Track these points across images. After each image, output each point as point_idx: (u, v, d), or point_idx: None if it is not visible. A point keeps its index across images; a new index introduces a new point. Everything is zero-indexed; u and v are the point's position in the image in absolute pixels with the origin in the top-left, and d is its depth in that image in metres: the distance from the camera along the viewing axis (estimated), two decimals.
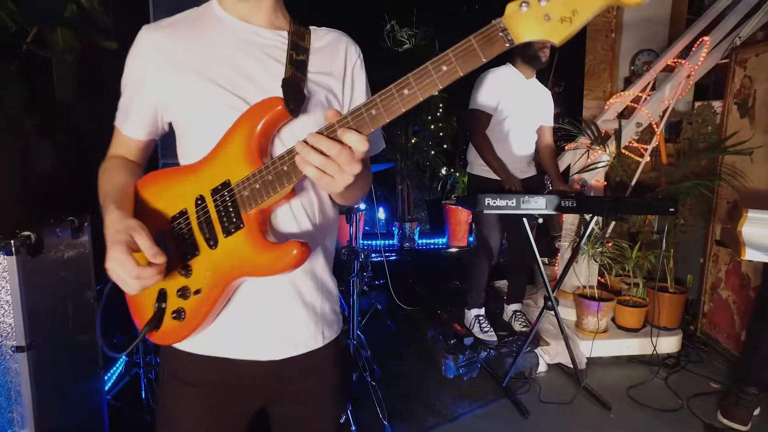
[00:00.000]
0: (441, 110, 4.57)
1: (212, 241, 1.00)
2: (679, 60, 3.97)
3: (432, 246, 4.88)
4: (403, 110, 0.86)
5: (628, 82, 4.84)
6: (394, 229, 4.91)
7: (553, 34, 0.78)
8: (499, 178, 3.18)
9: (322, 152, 0.87)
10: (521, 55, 3.22)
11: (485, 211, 2.69)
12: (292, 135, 1.04)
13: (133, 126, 1.15)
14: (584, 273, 3.93)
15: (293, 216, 1.07)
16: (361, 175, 0.91)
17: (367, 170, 1.06)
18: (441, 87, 0.85)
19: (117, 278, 0.91)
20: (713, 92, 4.30)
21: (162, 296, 1.03)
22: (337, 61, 1.15)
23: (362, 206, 4.58)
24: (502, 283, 4.63)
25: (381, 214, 5.19)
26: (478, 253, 3.46)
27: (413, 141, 4.54)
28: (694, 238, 3.99)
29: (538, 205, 2.76)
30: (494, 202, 2.71)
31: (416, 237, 4.82)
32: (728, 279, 3.59)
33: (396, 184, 4.83)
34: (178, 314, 1.02)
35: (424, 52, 4.44)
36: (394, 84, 0.84)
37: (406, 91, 0.84)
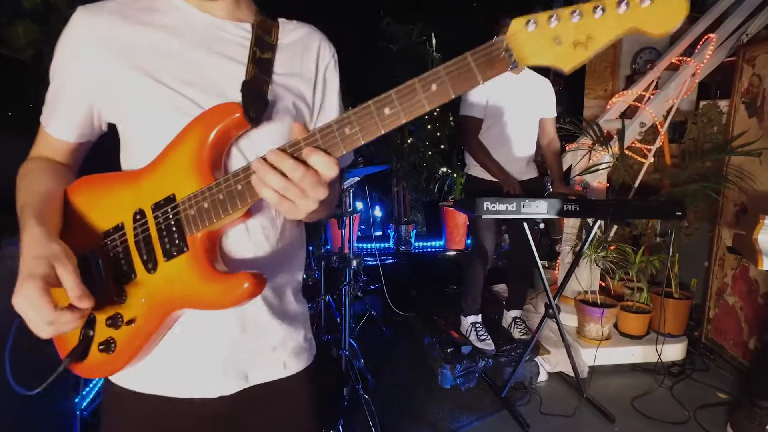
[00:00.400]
0: (438, 109, 4.41)
1: (150, 264, 0.86)
2: (684, 58, 3.84)
3: (429, 249, 4.74)
4: (382, 131, 0.74)
5: (630, 81, 4.71)
6: (389, 231, 4.76)
7: (564, 60, 0.68)
8: (497, 180, 3.04)
9: (283, 173, 0.74)
10: None
11: (484, 216, 2.54)
12: (252, 147, 0.90)
13: (60, 124, 0.96)
14: (586, 277, 3.81)
15: (250, 238, 0.93)
16: (327, 198, 0.78)
17: (334, 191, 0.93)
18: (429, 108, 0.72)
19: (27, 319, 0.76)
20: (717, 91, 4.17)
21: (90, 323, 0.88)
22: (308, 60, 1.02)
23: (359, 206, 4.44)
24: (501, 287, 4.51)
25: (378, 212, 5.05)
26: (473, 257, 3.32)
27: (409, 141, 4.39)
28: (698, 241, 3.86)
29: (540, 209, 2.63)
30: (493, 207, 2.57)
31: (413, 240, 4.69)
32: (735, 284, 3.46)
33: (392, 185, 4.69)
34: (107, 346, 0.87)
35: (421, 49, 4.29)
36: (373, 100, 0.72)
37: (387, 110, 0.72)
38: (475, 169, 3.20)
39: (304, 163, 0.74)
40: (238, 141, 0.89)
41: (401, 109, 0.71)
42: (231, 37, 0.94)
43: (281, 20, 1.02)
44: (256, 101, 0.87)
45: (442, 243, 4.86)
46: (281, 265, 0.99)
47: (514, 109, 3.10)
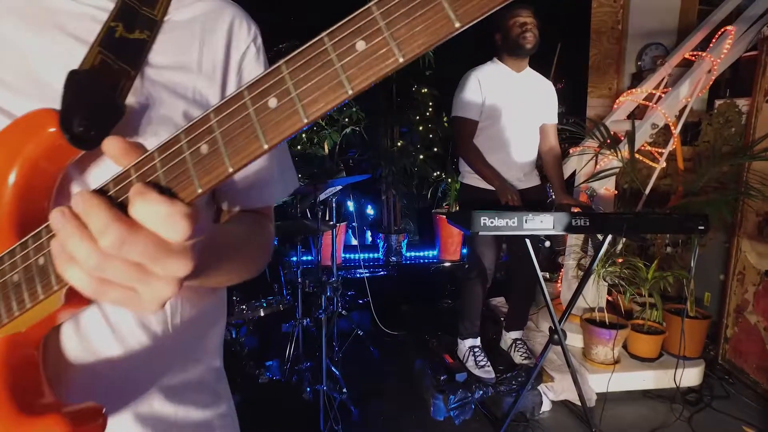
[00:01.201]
0: (431, 109, 4.07)
1: None
2: (698, 53, 3.50)
3: (421, 261, 4.39)
4: (266, 148, 0.39)
5: (636, 78, 4.40)
6: (378, 241, 4.41)
7: None
8: (492, 188, 2.69)
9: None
10: (503, 47, 2.74)
11: (481, 233, 2.19)
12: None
13: None
14: (591, 293, 3.47)
15: (113, 332, 0.59)
16: (231, 258, 0.51)
17: (235, 247, 0.60)
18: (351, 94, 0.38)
19: None
20: (728, 89, 3.83)
21: None
22: (212, 46, 0.68)
23: (351, 206, 4.10)
24: (499, 301, 4.17)
25: (365, 219, 4.69)
26: (471, 275, 2.98)
27: (399, 144, 4.04)
28: (712, 252, 3.53)
29: (544, 224, 2.28)
30: (491, 222, 2.22)
31: (404, 250, 4.33)
32: (758, 302, 3.13)
33: (380, 192, 4.34)
34: None
35: None
36: (247, 85, 0.39)
37: (274, 102, 0.38)
38: (470, 177, 2.86)
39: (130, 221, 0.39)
40: (82, 174, 0.54)
41: (298, 97, 0.37)
42: (80, 7, 0.60)
43: None
44: (94, 108, 0.52)
45: (435, 253, 4.51)
46: (177, 360, 0.64)
47: (514, 110, 2.75)
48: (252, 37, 0.71)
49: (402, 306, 4.21)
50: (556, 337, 2.60)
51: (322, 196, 2.84)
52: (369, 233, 4.73)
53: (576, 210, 2.72)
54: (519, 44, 2.67)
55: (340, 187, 2.91)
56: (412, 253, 4.54)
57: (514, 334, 3.27)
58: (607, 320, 3.20)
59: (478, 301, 3.02)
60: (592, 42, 4.58)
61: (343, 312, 3.22)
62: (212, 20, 0.68)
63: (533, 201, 2.74)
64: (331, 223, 2.67)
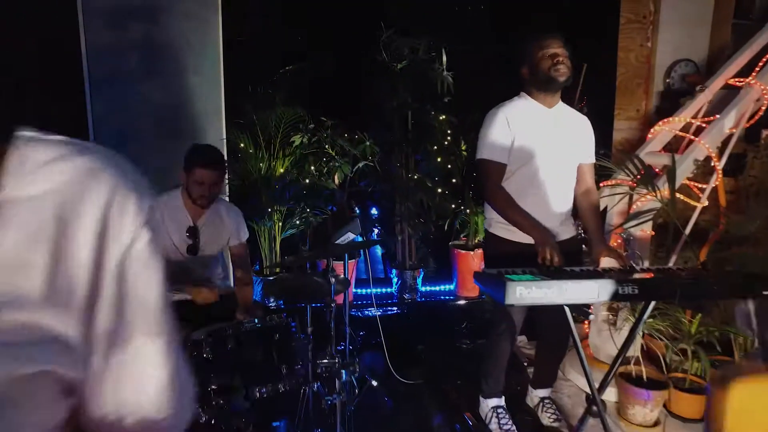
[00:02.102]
0: (449, 137, 3.78)
1: None
2: (743, 79, 3.18)
3: (437, 297, 4.09)
4: None
5: (664, 98, 4.10)
6: (392, 276, 4.12)
7: None
8: (528, 242, 2.38)
9: None
10: (532, 81, 2.44)
11: (517, 304, 1.91)
12: None
13: None
14: (624, 338, 3.15)
15: None
16: None
17: None
18: None
19: None
20: None
21: None
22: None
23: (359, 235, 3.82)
24: (521, 340, 3.87)
25: (379, 249, 4.40)
26: (499, 329, 2.69)
27: (416, 177, 3.74)
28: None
29: (587, 293, 2.00)
30: (528, 293, 1.93)
31: (419, 285, 4.04)
32: None
33: (394, 226, 4.05)
34: None
35: (427, 65, 3.64)
36: None
37: None
38: (497, 227, 2.56)
39: None
40: None
41: None
42: None
43: (35, 140, 0.49)
44: None
45: (452, 288, 4.21)
46: None
47: (547, 151, 2.46)
48: (133, 227, 0.48)
49: (417, 346, 3.93)
50: (594, 408, 2.30)
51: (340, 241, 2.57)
52: (382, 266, 4.45)
53: (617, 263, 2.41)
54: (551, 77, 2.37)
55: (352, 235, 2.63)
56: (428, 288, 4.25)
57: (542, 392, 2.97)
58: (644, 375, 2.89)
59: (504, 358, 2.74)
60: (620, 60, 4.28)
61: (355, 360, 2.92)
62: (67, 204, 0.44)
63: (569, 255, 2.41)
64: (342, 277, 2.38)
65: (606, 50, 4.32)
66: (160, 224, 2.75)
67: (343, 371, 2.12)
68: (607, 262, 2.54)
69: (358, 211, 2.96)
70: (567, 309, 2.13)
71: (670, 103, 4.05)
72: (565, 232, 2.61)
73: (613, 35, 4.25)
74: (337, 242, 2.70)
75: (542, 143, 2.45)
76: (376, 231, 4.16)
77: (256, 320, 2.14)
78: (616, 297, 2.03)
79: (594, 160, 2.67)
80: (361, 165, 3.73)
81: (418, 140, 3.76)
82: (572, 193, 2.62)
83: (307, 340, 2.19)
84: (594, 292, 2.02)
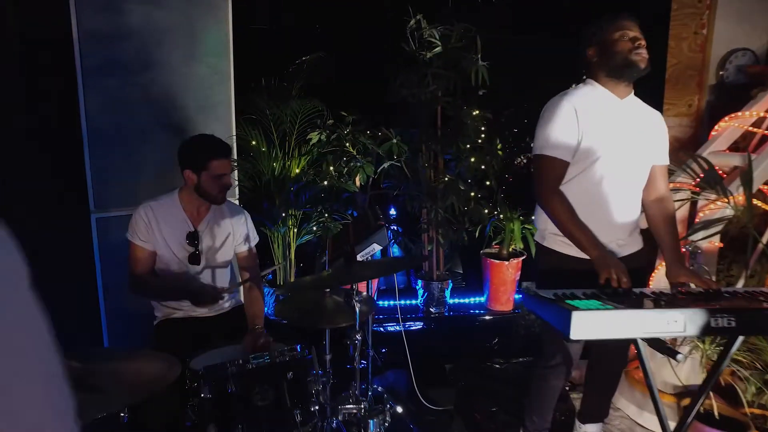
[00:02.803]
0: (483, 136, 3.39)
1: None
2: None
3: (467, 310, 3.72)
4: None
5: (716, 93, 3.67)
6: (417, 287, 3.75)
7: None
8: (587, 257, 2.00)
9: None
10: (602, 64, 2.05)
11: (586, 338, 1.53)
12: None
13: None
14: (687, 367, 2.78)
15: None
16: None
17: None
18: None
19: None
20: None
21: None
22: None
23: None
24: None
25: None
26: (551, 362, 2.31)
27: (446, 179, 3.36)
28: None
29: (672, 326, 1.61)
30: (598, 324, 1.56)
31: (447, 297, 3.66)
32: None
33: (420, 232, 3.67)
34: None
35: (460, 54, 3.26)
36: None
37: None
38: (552, 239, 2.17)
39: None
40: None
41: None
42: None
43: None
44: None
45: (482, 300, 3.83)
46: None
47: (618, 149, 2.07)
48: None
49: (445, 365, 3.56)
50: None
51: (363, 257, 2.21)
52: (405, 275, 4.07)
53: (699, 286, 2.01)
54: (631, 62, 1.98)
55: (378, 247, 2.27)
56: (456, 300, 3.86)
57: (592, 428, 2.58)
58: (716, 411, 2.49)
59: (555, 395, 2.36)
60: (671, 51, 3.86)
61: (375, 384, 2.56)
62: None
63: (633, 272, 2.00)
64: (366, 295, 2.02)
65: (655, 39, 3.89)
66: (155, 232, 2.39)
67: (371, 421, 1.74)
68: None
69: (380, 215, 2.60)
70: (642, 344, 1.75)
71: (726, 97, 3.63)
72: (633, 244, 2.21)
73: (663, 22, 3.84)
74: (362, 254, 2.34)
75: (613, 140, 2.05)
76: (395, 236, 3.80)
77: (266, 356, 1.78)
78: (707, 331, 1.65)
79: (668, 162, 2.26)
80: (386, 165, 3.34)
81: (449, 138, 3.37)
82: (640, 198, 2.22)
83: (327, 378, 1.83)
84: (679, 324, 1.64)
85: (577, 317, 1.56)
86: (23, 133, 2.82)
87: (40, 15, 2.72)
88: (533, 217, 2.50)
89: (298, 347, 1.98)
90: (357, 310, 1.82)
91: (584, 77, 2.17)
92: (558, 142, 2.03)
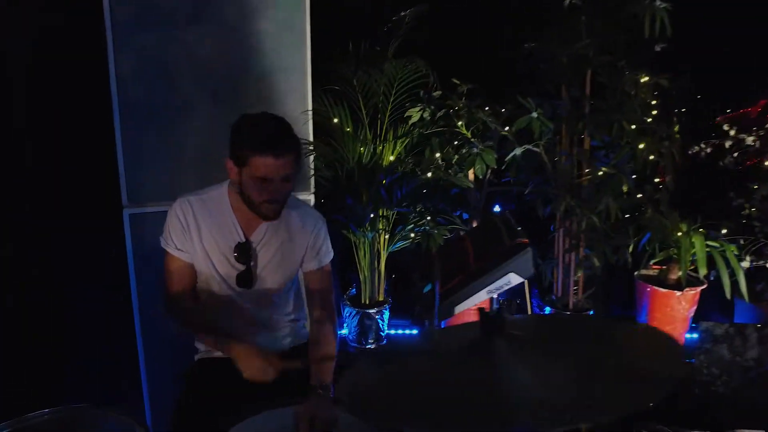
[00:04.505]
0: (655, 113, 2.38)
1: None
2: None
3: None
4: None
5: None
6: (537, 310, 2.85)
7: None
8: None
9: None
10: None
11: None
12: None
13: None
14: None
15: None
16: None
17: None
18: None
19: None
20: None
21: None
22: None
23: None
24: None
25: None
26: None
27: (601, 172, 2.37)
28: None
29: None
30: None
31: None
32: None
33: (554, 246, 2.73)
34: None
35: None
36: None
37: None
38: None
39: None
40: None
41: None
42: None
43: None
44: None
45: None
46: None
47: None
48: None
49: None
50: None
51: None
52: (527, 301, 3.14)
53: None
54: None
55: (515, 281, 1.39)
56: None
57: None
58: None
59: None
60: None
61: None
62: None
63: None
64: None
65: None
66: (194, 238, 1.75)
67: None
68: None
69: (518, 228, 1.70)
70: None
71: None
72: None
73: None
74: (490, 288, 1.47)
75: None
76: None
77: None
78: None
79: None
80: (519, 151, 2.38)
81: (604, 115, 2.36)
82: None
83: None
84: None
85: None
86: (39, 105, 2.27)
87: None
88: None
89: None
90: None
91: None
92: None
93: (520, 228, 1.60)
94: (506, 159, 2.47)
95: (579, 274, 2.62)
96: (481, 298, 1.52)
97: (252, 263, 1.76)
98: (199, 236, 1.74)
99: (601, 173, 2.35)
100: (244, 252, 1.75)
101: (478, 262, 1.60)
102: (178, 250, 1.74)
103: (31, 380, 2.24)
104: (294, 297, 1.97)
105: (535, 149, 2.42)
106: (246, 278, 1.77)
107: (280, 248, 1.80)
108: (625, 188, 2.29)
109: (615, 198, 2.32)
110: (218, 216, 1.77)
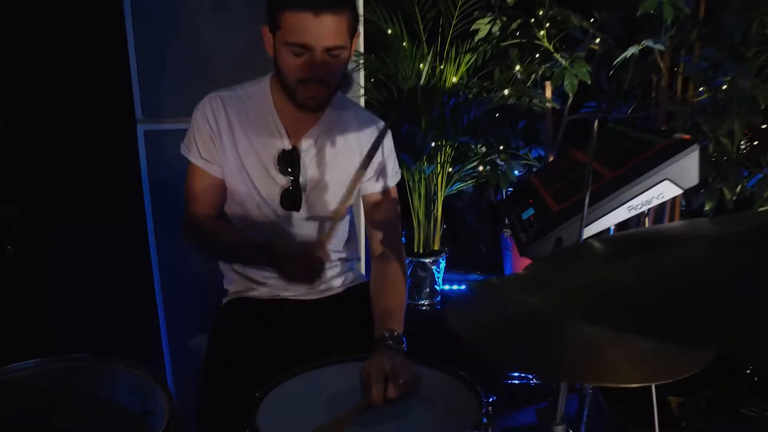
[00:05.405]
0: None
1: None
2: None
3: None
4: None
5: None
6: None
7: None
8: None
9: None
10: None
11: None
12: None
13: None
14: None
15: None
16: None
17: None
18: None
19: None
20: None
21: None
22: None
23: None
24: None
25: None
26: None
27: (725, 87, 1.87)
28: None
29: None
30: None
31: None
32: None
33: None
34: None
35: None
36: None
37: None
38: None
39: None
40: None
41: None
42: None
43: None
44: None
45: None
46: None
47: None
48: None
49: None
50: None
51: None
52: None
53: None
54: None
55: None
56: None
57: None
58: None
59: None
60: None
61: None
62: None
63: None
64: None
65: None
66: (226, 145, 1.39)
67: None
68: None
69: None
70: None
71: None
72: None
73: None
74: (633, 205, 1.04)
75: None
76: None
77: None
78: None
79: None
80: (635, 50, 1.84)
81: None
82: None
83: None
84: None
85: None
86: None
87: None
88: None
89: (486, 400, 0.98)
90: None
91: None
92: None
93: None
94: (615, 62, 1.92)
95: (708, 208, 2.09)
96: (619, 216, 1.10)
97: (300, 178, 1.37)
98: (232, 142, 1.35)
99: (725, 86, 1.85)
100: (289, 163, 1.35)
101: (615, 171, 1.17)
102: (204, 159, 1.36)
103: (32, 328, 1.91)
104: (352, 228, 1.58)
105: (657, 46, 1.87)
106: (292, 198, 1.38)
107: (336, 161, 1.40)
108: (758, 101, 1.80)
109: (740, 119, 1.83)
110: (258, 117, 1.37)
